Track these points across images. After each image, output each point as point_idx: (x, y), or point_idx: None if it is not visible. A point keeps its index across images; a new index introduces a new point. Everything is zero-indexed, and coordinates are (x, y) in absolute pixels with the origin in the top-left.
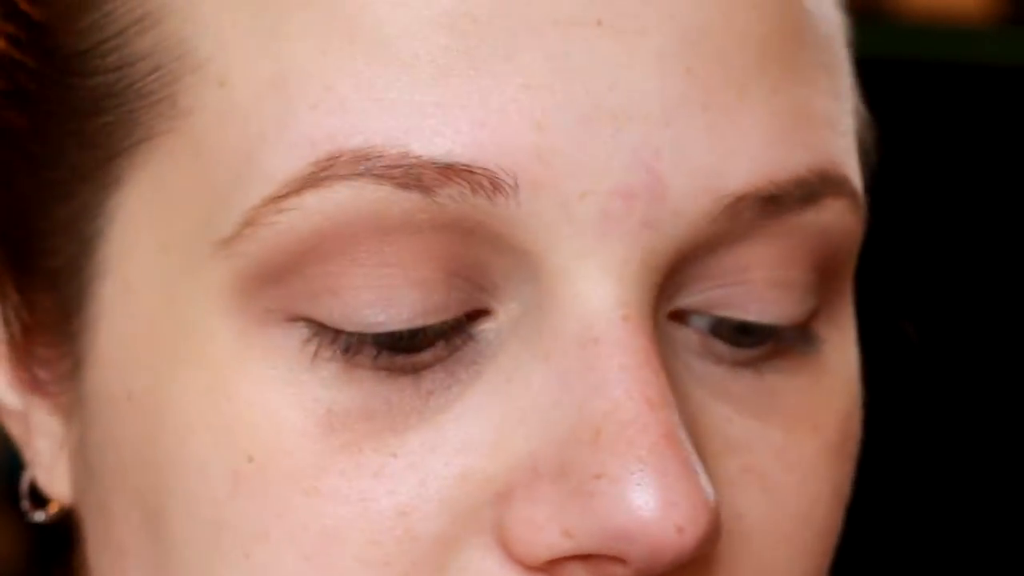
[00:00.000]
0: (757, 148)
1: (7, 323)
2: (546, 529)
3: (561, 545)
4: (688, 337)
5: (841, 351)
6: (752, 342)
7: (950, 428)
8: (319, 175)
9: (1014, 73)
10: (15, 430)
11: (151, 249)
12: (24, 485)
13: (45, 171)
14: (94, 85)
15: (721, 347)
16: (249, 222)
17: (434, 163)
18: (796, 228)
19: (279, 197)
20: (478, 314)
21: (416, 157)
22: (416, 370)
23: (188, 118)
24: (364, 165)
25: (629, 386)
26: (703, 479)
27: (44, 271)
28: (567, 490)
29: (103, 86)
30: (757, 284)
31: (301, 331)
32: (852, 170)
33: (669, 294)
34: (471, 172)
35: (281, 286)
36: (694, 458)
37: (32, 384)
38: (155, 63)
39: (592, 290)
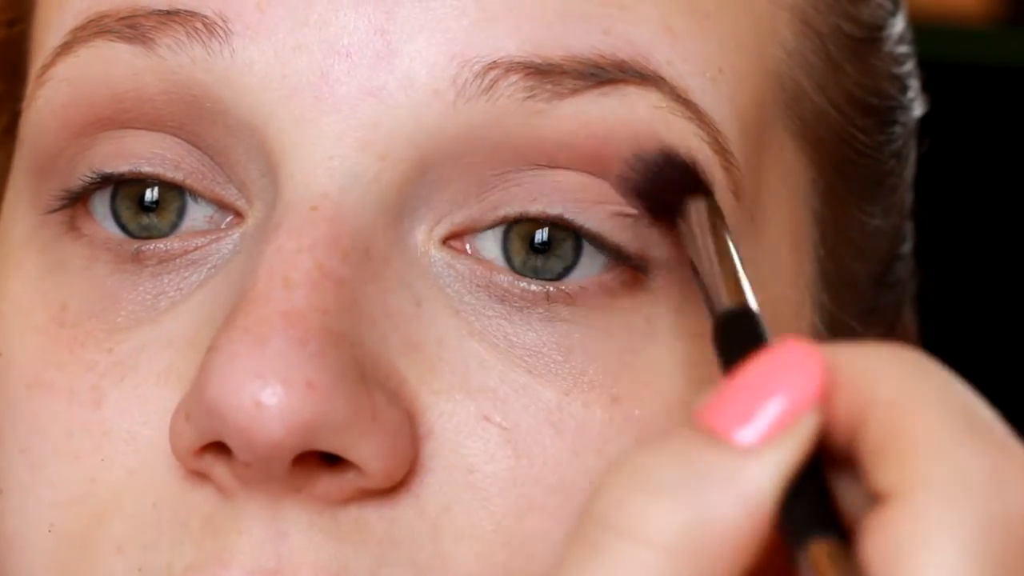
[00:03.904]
0: (527, 18)
1: None
2: (176, 415)
3: (184, 431)
4: (468, 269)
5: (681, 324)
6: (546, 267)
7: None
8: (70, 43)
9: (1014, 73)
10: None
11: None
12: None
13: None
14: None
15: (506, 278)
16: (26, 104)
17: (156, 12)
18: (588, 116)
19: (40, 69)
20: (231, 211)
21: (142, 8)
22: (152, 267)
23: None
24: (102, 24)
25: (273, 266)
26: (328, 371)
27: None
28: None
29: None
30: (555, 187)
31: (56, 219)
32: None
33: (430, 210)
34: (186, 15)
35: (47, 171)
36: (330, 350)
37: None
38: None
39: (297, 175)
